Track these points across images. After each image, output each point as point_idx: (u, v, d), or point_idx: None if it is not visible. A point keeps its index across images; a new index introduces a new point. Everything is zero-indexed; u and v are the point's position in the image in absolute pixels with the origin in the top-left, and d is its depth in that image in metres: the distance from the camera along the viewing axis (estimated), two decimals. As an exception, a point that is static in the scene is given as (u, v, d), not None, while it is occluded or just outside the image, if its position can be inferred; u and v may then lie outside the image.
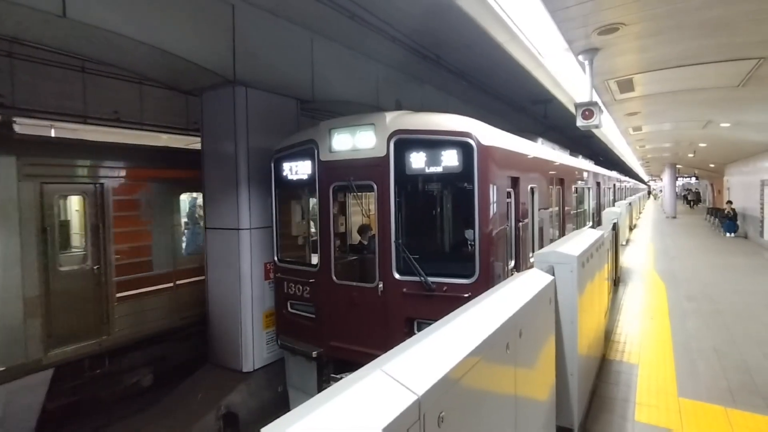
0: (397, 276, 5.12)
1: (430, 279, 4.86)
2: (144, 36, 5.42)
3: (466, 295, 4.50)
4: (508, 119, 14.97)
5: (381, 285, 5.20)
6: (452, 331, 1.92)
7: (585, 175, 11.99)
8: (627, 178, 29.17)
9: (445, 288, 4.82)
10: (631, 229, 18.68)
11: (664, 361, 5.21)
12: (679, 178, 38.18)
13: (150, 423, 6.31)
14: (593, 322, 4.37)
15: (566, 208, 9.21)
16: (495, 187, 4.88)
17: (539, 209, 6.82)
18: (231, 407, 6.26)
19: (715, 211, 23.41)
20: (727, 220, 18.52)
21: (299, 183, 6.12)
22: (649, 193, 65.54)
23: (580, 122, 6.91)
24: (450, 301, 4.36)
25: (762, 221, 15.32)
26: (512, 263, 5.68)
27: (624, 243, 13.67)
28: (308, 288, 5.93)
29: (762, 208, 15.36)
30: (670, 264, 11.62)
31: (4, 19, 4.80)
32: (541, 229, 6.97)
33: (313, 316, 5.89)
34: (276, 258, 6.48)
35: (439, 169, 4.87)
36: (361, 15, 6.95)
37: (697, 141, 16.63)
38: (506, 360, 2.16)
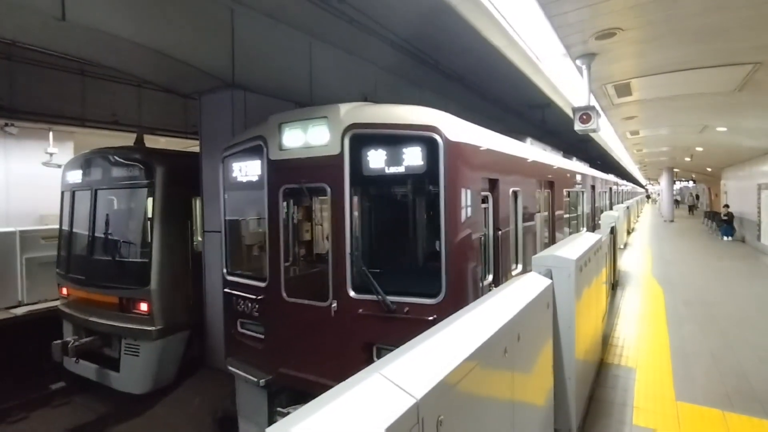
0: (352, 294, 4.43)
1: (390, 298, 4.17)
2: (143, 39, 5.43)
3: (431, 318, 3.90)
4: (506, 124, 15.02)
5: (335, 304, 4.50)
6: (450, 334, 1.93)
7: (578, 178, 11.41)
8: (624, 182, 29.26)
9: (406, 309, 4.13)
10: (628, 233, 18.71)
11: (661, 365, 5.21)
12: (676, 182, 38.28)
13: (146, 428, 6.28)
14: (591, 326, 4.37)
15: (556, 213, 8.51)
16: (466, 190, 4.26)
17: (523, 215, 6.18)
18: (228, 412, 6.23)
19: (712, 215, 23.49)
20: (724, 224, 18.58)
21: (249, 185, 5.39)
22: (648, 197, 65.57)
23: (577, 126, 6.94)
24: (412, 325, 3.78)
25: (759, 225, 15.38)
26: (490, 277, 5.01)
27: (622, 247, 13.70)
28: (257, 306, 5.23)
29: (759, 212, 15.42)
30: (668, 268, 11.65)
31: (4, 21, 4.81)
32: (526, 237, 6.32)
33: (263, 337, 5.24)
34: (224, 270, 5.79)
35: (401, 170, 4.19)
36: (360, 19, 6.98)
37: (694, 145, 16.71)
38: (504, 364, 2.16)
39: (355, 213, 4.55)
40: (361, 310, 4.36)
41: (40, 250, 9.27)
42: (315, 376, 4.58)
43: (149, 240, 6.67)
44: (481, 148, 4.82)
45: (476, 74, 10.27)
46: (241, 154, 5.50)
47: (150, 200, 6.77)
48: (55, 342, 6.87)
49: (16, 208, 10.90)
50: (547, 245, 7.62)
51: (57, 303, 8.24)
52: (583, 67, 6.31)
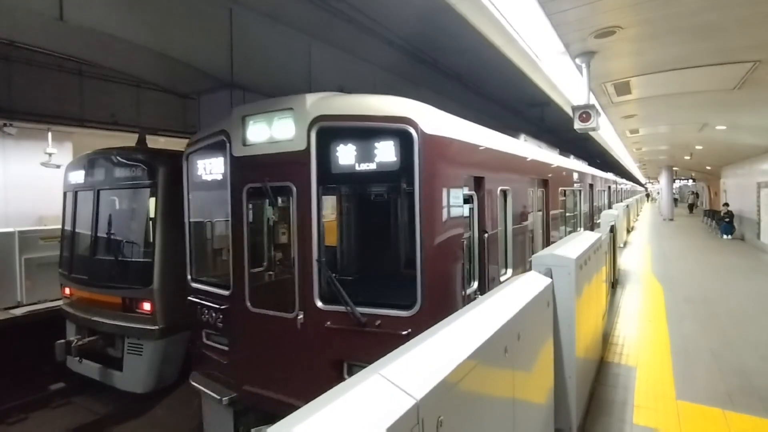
0: (320, 305, 4.04)
1: (361, 309, 3.78)
2: (141, 39, 5.42)
3: (405, 333, 3.56)
4: (505, 122, 15.01)
5: (301, 316, 4.11)
6: (450, 334, 1.92)
7: (575, 176, 10.96)
8: (623, 180, 29.24)
9: (378, 322, 3.74)
10: (628, 232, 18.72)
11: (661, 363, 5.21)
12: (676, 180, 38.28)
13: (146, 429, 6.27)
14: (591, 324, 4.37)
15: (551, 214, 8.05)
16: (446, 188, 3.88)
17: (514, 216, 5.78)
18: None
19: (712, 213, 23.51)
20: (724, 222, 18.59)
21: (214, 185, 4.98)
22: (648, 195, 65.50)
23: (577, 125, 6.93)
24: (385, 340, 3.45)
25: (759, 223, 15.39)
26: (475, 284, 4.60)
27: (621, 245, 13.70)
28: (221, 316, 4.83)
29: (759, 211, 15.44)
30: (667, 266, 11.65)
31: (1, 22, 4.79)
32: (517, 240, 5.90)
33: (227, 350, 4.83)
34: (189, 277, 5.41)
35: (372, 167, 3.78)
36: (359, 19, 6.96)
37: (694, 143, 16.71)
38: (505, 363, 2.16)
39: (323, 215, 4.15)
40: (329, 323, 3.95)
41: (39, 251, 9.27)
42: (281, 395, 4.20)
43: (152, 240, 6.67)
44: (464, 143, 4.43)
45: (475, 73, 10.26)
46: (204, 150, 5.09)
47: (153, 200, 6.77)
48: (58, 341, 6.88)
49: (15, 209, 10.89)
50: (541, 247, 7.32)
51: (56, 303, 8.25)
52: (583, 65, 6.30)
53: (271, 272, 4.98)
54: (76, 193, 7.65)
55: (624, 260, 12.54)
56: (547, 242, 7.60)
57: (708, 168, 25.65)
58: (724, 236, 18.07)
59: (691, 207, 39.51)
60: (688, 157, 21.35)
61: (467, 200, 4.43)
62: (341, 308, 3.88)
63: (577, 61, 6.26)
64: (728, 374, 4.86)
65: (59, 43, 5.66)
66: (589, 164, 15.23)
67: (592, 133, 11.93)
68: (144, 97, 11.97)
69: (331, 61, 8.42)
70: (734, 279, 9.97)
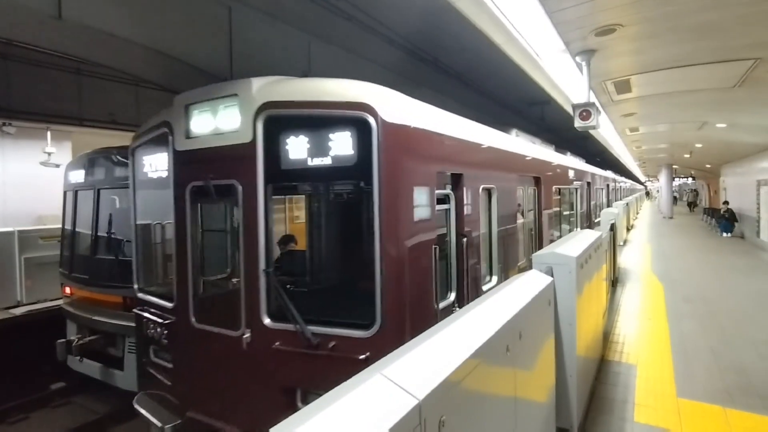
0: (267, 322, 3.49)
1: (313, 328, 3.25)
2: (140, 37, 5.40)
3: (362, 357, 3.05)
4: (506, 121, 14.99)
5: (247, 334, 3.53)
6: (452, 333, 1.91)
7: (572, 174, 10.34)
8: (623, 179, 29.23)
9: (332, 344, 3.20)
10: (628, 230, 18.73)
11: (662, 361, 5.22)
12: (675, 179, 38.28)
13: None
14: (592, 323, 4.37)
15: (544, 214, 7.47)
16: (412, 187, 3.34)
17: (500, 217, 5.23)
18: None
19: (711, 212, 23.54)
20: (724, 221, 18.60)
21: (159, 183, 4.43)
22: (648, 194, 65.50)
23: (577, 123, 6.92)
24: (340, 365, 3.06)
25: (758, 221, 15.40)
26: (452, 296, 4.09)
27: (621, 244, 13.71)
28: (165, 332, 4.27)
29: (758, 209, 15.45)
30: (667, 264, 11.66)
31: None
32: (503, 243, 5.34)
33: (172, 370, 4.29)
34: (135, 286, 4.89)
35: (327, 161, 3.24)
36: (359, 17, 6.94)
37: (693, 142, 16.72)
38: (506, 362, 2.15)
39: (272, 218, 3.63)
40: (278, 344, 3.39)
41: (38, 251, 9.25)
42: (228, 426, 3.67)
43: None
44: (438, 134, 3.87)
45: (476, 71, 10.24)
46: (148, 144, 4.57)
47: None
48: (59, 341, 6.87)
49: (14, 208, 10.86)
50: (532, 251, 6.81)
51: (56, 303, 8.25)
52: (583, 63, 6.29)
53: (219, 283, 4.45)
54: (76, 192, 7.65)
55: (624, 258, 12.55)
56: (539, 245, 7.04)
57: (707, 166, 25.66)
58: (724, 234, 18.09)
59: (691, 205, 39.33)
60: (687, 156, 21.35)
61: (443, 200, 4.00)
62: (292, 327, 3.34)
63: (578, 59, 6.25)
64: (728, 372, 4.86)
65: (57, 42, 5.64)
66: (589, 162, 15.21)
67: (592, 132, 11.93)
68: (143, 96, 11.93)
69: (331, 59, 8.40)
70: (734, 277, 9.99)
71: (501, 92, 12.15)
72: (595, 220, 13.35)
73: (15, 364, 7.75)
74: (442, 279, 3.85)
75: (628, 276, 10.22)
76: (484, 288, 4.70)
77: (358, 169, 3.18)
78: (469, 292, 4.18)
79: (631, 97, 8.96)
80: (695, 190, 42.95)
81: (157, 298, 4.49)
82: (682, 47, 5.95)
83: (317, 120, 3.29)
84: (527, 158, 6.76)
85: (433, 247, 3.56)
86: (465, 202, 4.28)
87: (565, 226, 9.74)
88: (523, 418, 2.37)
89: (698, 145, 17.41)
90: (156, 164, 4.51)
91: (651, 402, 4.26)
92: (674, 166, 29.48)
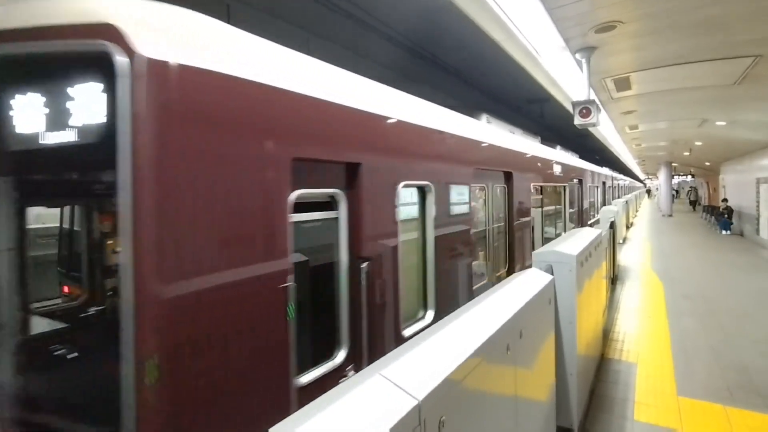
0: None
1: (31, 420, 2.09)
2: (138, 36, 5.37)
3: None
4: (505, 119, 14.98)
5: None
6: (452, 333, 1.89)
7: (558, 169, 8.71)
8: (621, 176, 29.17)
9: None
10: (627, 228, 18.74)
11: (662, 359, 5.21)
12: (675, 177, 38.23)
13: None
14: (592, 321, 4.36)
15: (516, 220, 6.06)
16: (227, 183, 1.94)
17: (439, 227, 3.83)
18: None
19: (711, 209, 23.55)
20: (723, 218, 18.61)
21: None
22: (648, 191, 65.43)
23: (577, 120, 6.91)
24: None
25: (758, 219, 15.40)
26: (328, 364, 2.63)
27: (621, 241, 13.70)
28: None
29: (758, 206, 15.44)
30: (667, 262, 11.66)
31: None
32: (436, 264, 3.76)
33: None
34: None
35: (71, 137, 1.78)
36: (358, 15, 6.92)
37: (693, 139, 16.70)
38: (507, 361, 2.14)
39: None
40: None
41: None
42: None
43: None
44: (294, 95, 2.40)
45: (475, 69, 10.22)
46: None
47: None
48: None
49: (12, 208, 10.85)
50: (503, 268, 5.77)
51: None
52: (583, 60, 6.28)
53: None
54: None
55: (623, 256, 12.54)
56: (511, 261, 5.87)
57: (707, 164, 25.66)
58: (723, 232, 18.08)
59: (694, 203, 38.30)
60: (687, 153, 21.34)
61: (325, 204, 2.73)
62: None
63: (578, 56, 6.23)
64: (728, 370, 4.85)
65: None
66: (588, 160, 15.13)
67: (591, 130, 11.92)
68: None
69: (330, 57, 8.35)
70: (733, 275, 9.98)
71: (501, 90, 12.13)
72: (590, 224, 12.21)
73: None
74: (308, 337, 2.47)
75: (628, 274, 10.22)
76: (405, 334, 3.25)
77: (104, 147, 1.69)
78: (371, 348, 2.86)
79: (630, 95, 8.94)
80: (694, 188, 42.84)
81: None
82: (682, 44, 5.93)
83: (48, 61, 1.84)
84: (490, 148, 5.16)
85: (287, 286, 2.18)
86: (368, 206, 2.92)
87: (546, 233, 8.13)
88: (523, 417, 2.36)
89: (698, 143, 17.40)
90: None
91: (651, 400, 4.25)
92: (674, 164, 29.48)
